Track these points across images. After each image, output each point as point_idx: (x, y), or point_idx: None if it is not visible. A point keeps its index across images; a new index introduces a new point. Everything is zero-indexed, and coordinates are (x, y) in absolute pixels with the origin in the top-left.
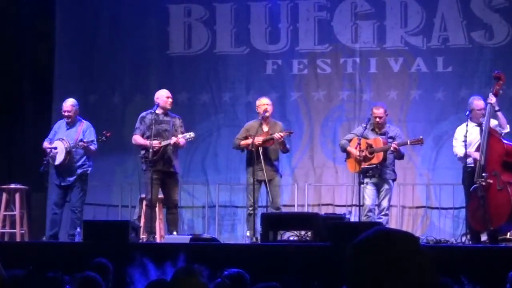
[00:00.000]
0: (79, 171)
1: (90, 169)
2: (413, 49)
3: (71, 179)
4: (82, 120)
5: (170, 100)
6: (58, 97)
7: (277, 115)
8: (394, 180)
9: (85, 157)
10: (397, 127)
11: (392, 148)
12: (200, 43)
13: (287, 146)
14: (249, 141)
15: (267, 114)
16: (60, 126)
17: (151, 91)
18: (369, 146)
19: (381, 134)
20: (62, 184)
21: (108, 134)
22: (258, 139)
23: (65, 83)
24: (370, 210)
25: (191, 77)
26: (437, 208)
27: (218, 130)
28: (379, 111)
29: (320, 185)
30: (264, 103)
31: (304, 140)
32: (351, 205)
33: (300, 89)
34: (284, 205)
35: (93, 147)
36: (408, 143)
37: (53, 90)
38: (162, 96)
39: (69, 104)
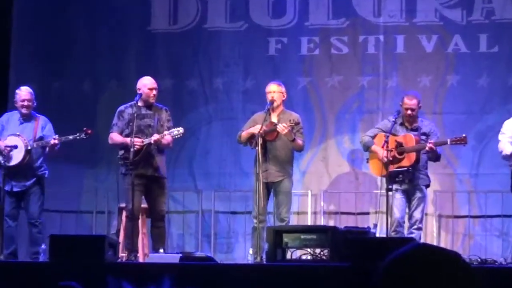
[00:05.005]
0: (37, 173)
1: (47, 172)
2: (450, 24)
3: (28, 183)
4: (37, 114)
5: (154, 92)
6: (14, 85)
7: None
8: (427, 186)
9: (42, 158)
10: (431, 122)
11: (427, 148)
12: (188, 17)
13: (300, 141)
14: (252, 129)
15: (274, 104)
16: (9, 119)
17: (129, 76)
18: (399, 144)
19: (412, 130)
20: (15, 190)
21: (89, 131)
22: (257, 128)
23: (23, 67)
24: (399, 224)
25: (177, 58)
26: (482, 216)
27: (209, 123)
28: (412, 102)
29: (339, 193)
30: (269, 91)
31: (315, 138)
32: (376, 212)
33: (310, 73)
34: (296, 214)
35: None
36: (448, 142)
37: (9, 77)
38: (144, 86)
39: (27, 92)
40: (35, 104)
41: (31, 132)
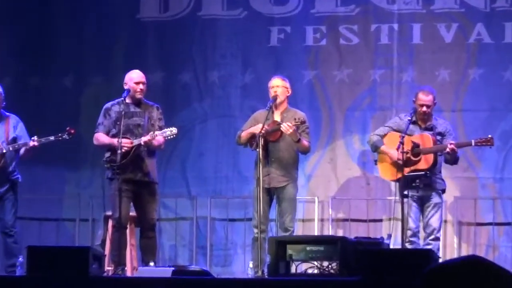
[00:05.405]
0: (11, 178)
1: (20, 176)
2: (472, 11)
3: (2, 189)
4: (6, 112)
5: (141, 87)
6: None
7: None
8: (444, 191)
9: (15, 162)
10: (446, 121)
11: (449, 149)
12: (181, 4)
13: (305, 142)
14: (253, 129)
15: (277, 101)
16: None
17: (115, 70)
18: (415, 145)
19: (426, 129)
20: None
21: (72, 131)
22: (258, 127)
23: None
24: (413, 234)
25: (168, 49)
26: (508, 224)
27: (204, 121)
28: (427, 98)
29: (348, 199)
30: (272, 86)
31: (321, 138)
32: (390, 219)
33: (317, 66)
34: (300, 221)
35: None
36: (473, 143)
37: None
38: (131, 80)
39: None
40: (4, 103)
41: (3, 134)
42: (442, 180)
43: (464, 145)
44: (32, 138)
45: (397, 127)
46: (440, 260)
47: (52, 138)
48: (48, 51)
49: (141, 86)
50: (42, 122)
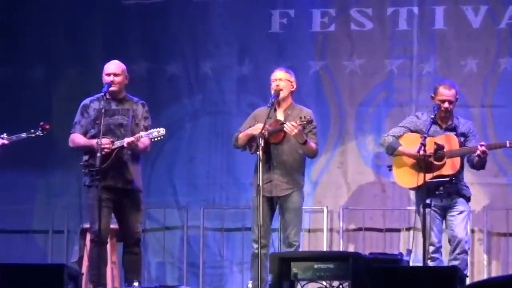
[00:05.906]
0: None
1: None
2: None
3: None
4: None
5: (111, 78)
6: None
7: None
8: (469, 199)
9: None
10: (468, 120)
11: (479, 152)
12: None
13: (313, 144)
14: (252, 130)
15: (280, 96)
16: None
17: (93, 61)
18: (439, 148)
19: (447, 129)
20: None
21: (47, 127)
22: (258, 128)
23: None
24: (436, 250)
25: (154, 37)
26: None
27: (195, 119)
28: (450, 92)
29: (362, 210)
30: (274, 78)
31: (330, 139)
32: (408, 229)
33: (324, 56)
34: (306, 231)
35: None
36: (507, 144)
37: None
38: (103, 72)
39: None
40: None
41: None
42: (467, 186)
43: (497, 147)
44: (1, 135)
45: (415, 127)
46: (468, 280)
47: (24, 135)
48: (16, 38)
49: (111, 78)
50: (9, 119)
